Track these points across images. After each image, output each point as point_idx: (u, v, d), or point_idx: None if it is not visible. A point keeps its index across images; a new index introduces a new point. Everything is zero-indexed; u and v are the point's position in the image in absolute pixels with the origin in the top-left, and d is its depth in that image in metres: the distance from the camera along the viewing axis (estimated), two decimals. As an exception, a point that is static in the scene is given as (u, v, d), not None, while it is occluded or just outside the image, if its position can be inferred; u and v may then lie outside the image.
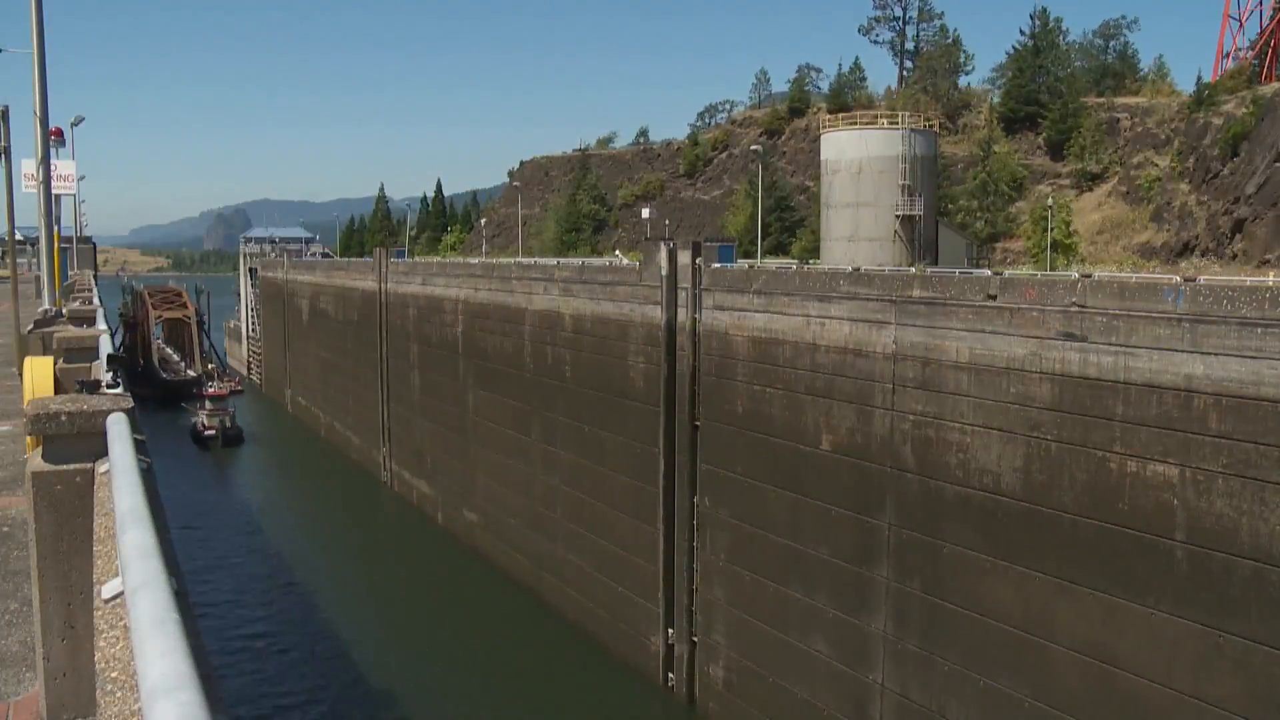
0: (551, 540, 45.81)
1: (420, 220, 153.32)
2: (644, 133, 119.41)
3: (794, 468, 31.19)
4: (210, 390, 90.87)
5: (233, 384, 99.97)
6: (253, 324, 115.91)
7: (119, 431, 6.49)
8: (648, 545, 38.40)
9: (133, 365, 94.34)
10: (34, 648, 6.88)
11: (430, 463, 59.66)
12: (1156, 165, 60.99)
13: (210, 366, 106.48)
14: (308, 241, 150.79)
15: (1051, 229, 54.11)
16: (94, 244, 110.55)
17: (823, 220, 57.07)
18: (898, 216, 52.34)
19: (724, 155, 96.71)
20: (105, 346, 13.66)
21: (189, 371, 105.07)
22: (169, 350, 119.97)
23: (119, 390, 8.53)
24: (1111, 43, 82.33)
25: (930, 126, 57.72)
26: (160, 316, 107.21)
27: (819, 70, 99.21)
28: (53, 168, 26.33)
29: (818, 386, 30.28)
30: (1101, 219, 61.97)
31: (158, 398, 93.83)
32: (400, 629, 43.71)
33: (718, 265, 35.74)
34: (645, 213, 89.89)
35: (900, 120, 55.61)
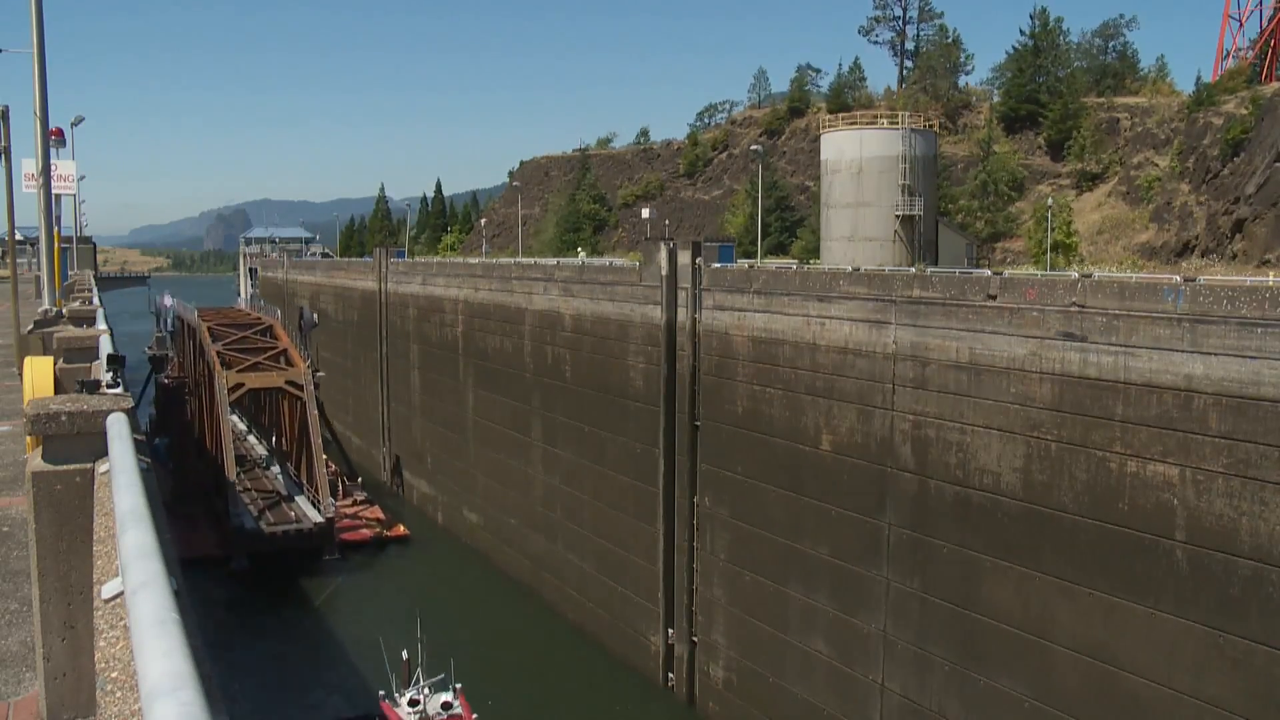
0: (551, 540, 45.82)
1: (420, 220, 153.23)
2: (644, 133, 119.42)
3: (794, 468, 31.20)
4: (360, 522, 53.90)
5: (373, 512, 57.20)
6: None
7: (119, 431, 6.49)
8: (648, 545, 38.42)
9: (180, 480, 55.37)
10: (34, 648, 6.88)
11: (430, 463, 59.66)
12: (1156, 165, 60.96)
13: (332, 469, 56.80)
14: (308, 241, 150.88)
15: (1052, 229, 54.09)
16: (94, 244, 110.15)
17: (823, 220, 57.06)
18: (898, 216, 52.33)
19: (724, 155, 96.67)
20: (105, 346, 13.65)
21: (302, 504, 52.16)
22: (259, 447, 66.54)
23: (119, 390, 8.53)
24: (1111, 43, 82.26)
25: (930, 126, 57.67)
26: (243, 384, 52.17)
27: (819, 70, 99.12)
28: (53, 168, 26.34)
29: (818, 386, 30.28)
30: (1101, 219, 61.94)
31: (235, 564, 46.05)
32: (398, 628, 43.63)
33: (718, 265, 35.75)
34: (645, 213, 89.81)
35: (900, 120, 55.57)
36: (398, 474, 65.13)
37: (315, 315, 67.89)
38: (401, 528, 55.64)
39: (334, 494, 53.63)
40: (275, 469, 60.47)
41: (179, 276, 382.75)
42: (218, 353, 53.66)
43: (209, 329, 57.10)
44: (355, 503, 58.04)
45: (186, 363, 64.11)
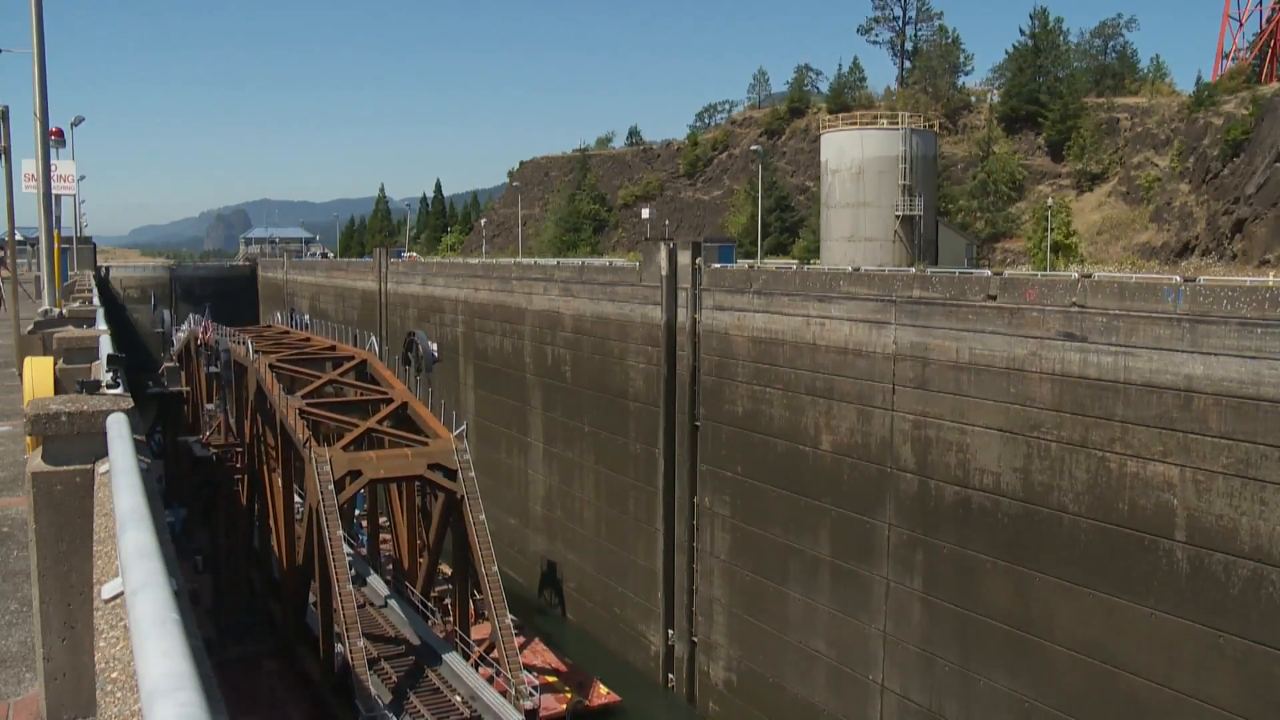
0: (551, 540, 45.84)
1: (420, 220, 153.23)
2: (635, 133, 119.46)
3: (794, 468, 31.20)
4: None
5: (539, 652, 37.94)
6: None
7: (119, 431, 6.49)
8: (648, 545, 38.43)
9: (226, 600, 38.71)
10: (34, 648, 6.88)
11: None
12: (1156, 165, 60.93)
13: (443, 572, 39.40)
14: (308, 241, 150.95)
15: (1051, 229, 54.08)
16: (94, 244, 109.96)
17: (823, 220, 57.05)
18: (898, 216, 52.32)
19: (724, 155, 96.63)
20: (105, 346, 13.64)
21: (465, 675, 31.60)
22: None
23: (119, 390, 8.52)
24: (1111, 43, 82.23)
25: (930, 126, 57.69)
26: (360, 472, 32.38)
27: (818, 71, 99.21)
28: (53, 168, 26.33)
29: (818, 386, 30.29)
30: (1101, 219, 61.91)
31: None
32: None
33: (718, 265, 35.76)
34: (645, 213, 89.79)
35: (900, 120, 55.57)
36: None
37: (435, 346, 44.01)
38: (604, 689, 35.96)
39: (447, 613, 35.60)
40: (376, 587, 39.34)
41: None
42: (301, 412, 34.49)
43: (271, 366, 37.99)
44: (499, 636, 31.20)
45: (241, 422, 42.15)
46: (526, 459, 47.95)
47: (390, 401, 36.89)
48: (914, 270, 30.83)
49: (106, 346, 13.63)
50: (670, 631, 37.37)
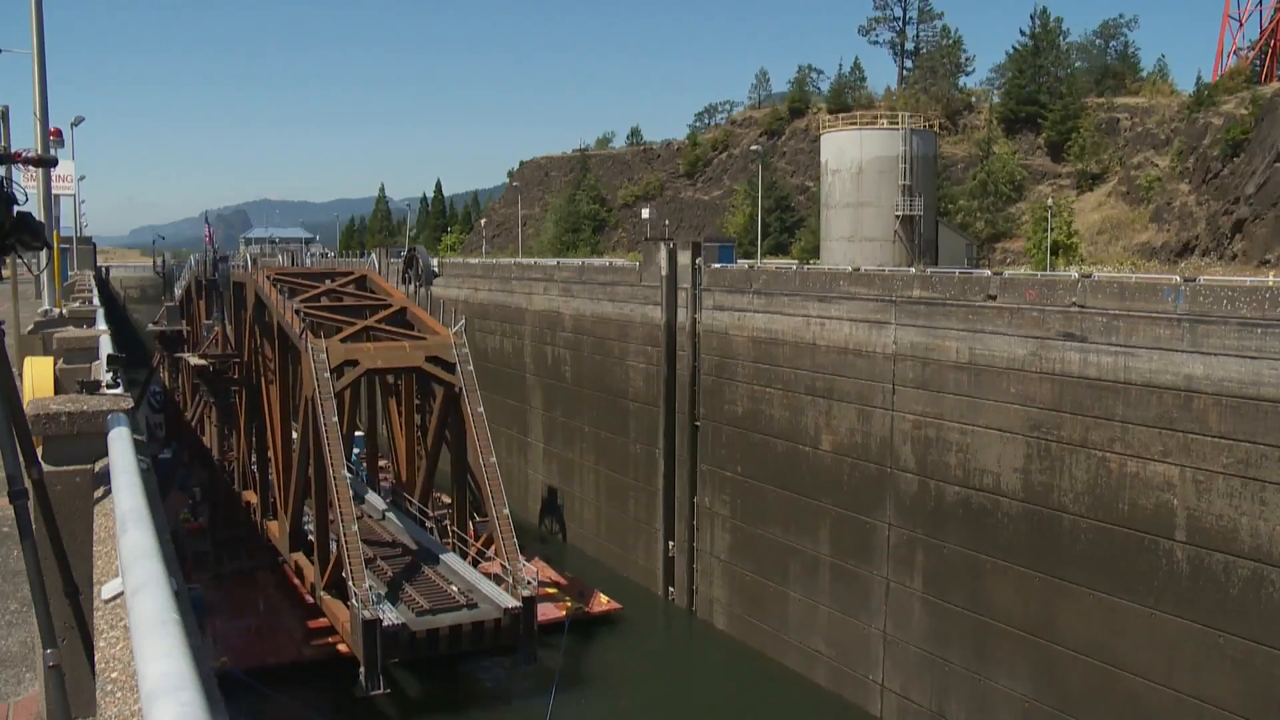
0: (551, 539, 45.81)
1: (420, 220, 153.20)
2: (636, 133, 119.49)
3: (794, 467, 31.21)
4: None
5: (539, 567, 36.33)
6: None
7: (119, 431, 6.49)
8: (647, 545, 38.41)
9: (221, 516, 40.58)
10: (34, 648, 6.88)
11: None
12: (1156, 165, 60.91)
13: (442, 499, 39.83)
14: (308, 242, 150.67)
15: (1051, 229, 54.08)
16: (94, 244, 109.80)
17: (823, 220, 57.05)
18: (898, 217, 52.32)
19: (724, 155, 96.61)
20: (105, 346, 13.64)
21: (461, 569, 32.32)
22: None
23: (119, 390, 8.52)
24: (1111, 43, 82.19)
25: (930, 127, 57.70)
26: (357, 362, 32.96)
27: (819, 70, 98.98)
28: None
29: (818, 386, 30.30)
30: (1102, 219, 61.89)
31: (368, 685, 27.06)
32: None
33: (718, 265, 35.77)
34: (645, 213, 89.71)
35: (900, 120, 55.56)
36: None
37: (436, 261, 46.01)
38: (604, 597, 36.47)
39: (446, 535, 35.04)
40: (375, 502, 39.97)
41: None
42: (297, 311, 33.71)
43: (269, 278, 37.99)
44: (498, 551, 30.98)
45: (240, 336, 41.78)
46: (526, 459, 47.94)
47: (385, 304, 37.10)
48: (914, 270, 30.83)
49: (106, 346, 13.62)
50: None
